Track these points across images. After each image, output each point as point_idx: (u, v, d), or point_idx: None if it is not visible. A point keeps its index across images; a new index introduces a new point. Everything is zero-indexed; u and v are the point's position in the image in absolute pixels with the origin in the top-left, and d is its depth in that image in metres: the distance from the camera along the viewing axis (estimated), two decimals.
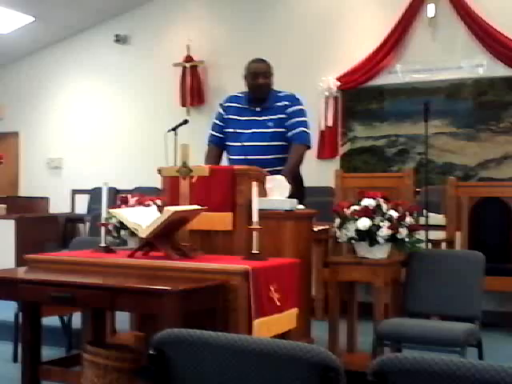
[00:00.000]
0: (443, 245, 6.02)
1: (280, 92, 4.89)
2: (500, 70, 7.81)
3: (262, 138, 4.78)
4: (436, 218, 6.20)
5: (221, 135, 4.97)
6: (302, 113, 4.83)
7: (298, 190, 4.64)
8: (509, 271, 5.68)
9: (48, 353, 4.22)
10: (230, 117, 4.91)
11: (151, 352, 2.00)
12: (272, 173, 4.34)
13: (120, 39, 9.97)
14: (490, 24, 7.75)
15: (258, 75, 4.81)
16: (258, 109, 4.84)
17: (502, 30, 7.70)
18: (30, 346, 3.80)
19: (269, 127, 4.78)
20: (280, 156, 4.77)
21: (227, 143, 4.94)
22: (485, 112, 7.92)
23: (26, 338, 3.82)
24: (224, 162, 5.08)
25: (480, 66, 7.90)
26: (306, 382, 1.76)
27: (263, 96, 4.83)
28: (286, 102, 4.81)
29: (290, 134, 4.77)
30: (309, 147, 4.87)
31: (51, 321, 4.76)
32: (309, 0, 8.85)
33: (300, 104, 4.86)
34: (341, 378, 1.74)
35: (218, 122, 5.00)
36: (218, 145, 5.00)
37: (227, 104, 4.98)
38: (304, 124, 4.81)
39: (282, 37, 8.92)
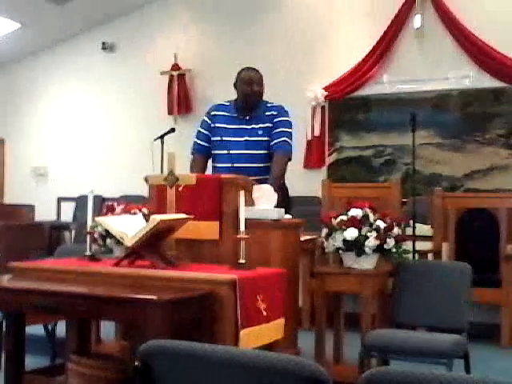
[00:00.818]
0: (430, 255, 6.03)
1: (269, 102, 4.91)
2: (486, 82, 7.84)
3: (252, 146, 4.80)
4: (423, 229, 6.20)
5: (206, 144, 4.95)
6: (287, 124, 4.85)
7: (284, 200, 4.64)
8: (496, 282, 5.69)
9: (32, 361, 4.17)
10: (218, 125, 4.90)
11: (137, 364, 1.97)
12: (259, 181, 4.33)
13: (107, 47, 9.95)
14: (476, 35, 7.77)
15: (253, 83, 4.84)
16: (247, 117, 4.84)
17: (489, 41, 7.73)
18: (13, 354, 3.74)
19: (259, 135, 4.79)
20: (267, 165, 4.77)
21: (213, 152, 4.92)
22: (471, 123, 7.94)
23: (10, 347, 3.76)
24: (208, 171, 5.04)
25: (466, 77, 7.93)
26: None
27: (254, 104, 4.84)
28: (274, 112, 4.83)
29: (272, 142, 4.78)
30: (290, 159, 4.87)
31: (35, 329, 4.71)
32: (297, 10, 8.86)
33: (287, 115, 4.88)
34: None
35: (203, 130, 4.97)
36: (203, 154, 4.97)
37: (214, 112, 4.95)
38: (288, 135, 4.83)
39: (269, 47, 8.92)
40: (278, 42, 8.91)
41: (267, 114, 4.83)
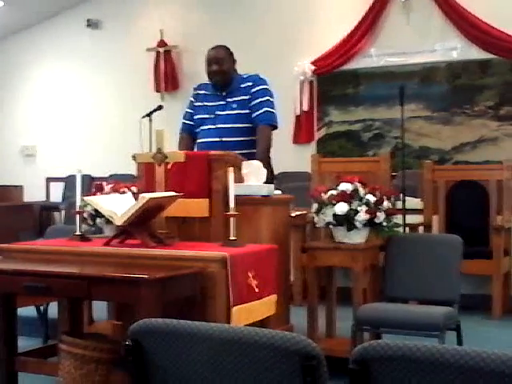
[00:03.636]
0: (420, 229, 6.03)
1: (244, 75, 4.88)
2: (474, 53, 7.81)
3: (226, 120, 4.78)
4: (413, 202, 6.20)
5: (192, 123, 4.97)
6: (265, 92, 4.80)
7: (272, 175, 4.65)
8: (486, 254, 5.71)
9: (24, 343, 4.16)
10: (200, 104, 4.94)
11: (127, 343, 1.96)
12: (243, 155, 4.31)
13: (92, 24, 9.84)
14: (463, 7, 7.73)
15: (212, 62, 4.84)
16: (223, 93, 4.84)
17: (476, 12, 7.69)
18: (5, 336, 3.73)
19: (233, 109, 4.77)
20: (246, 138, 4.75)
21: (197, 129, 4.93)
22: (459, 95, 7.92)
23: (2, 329, 3.75)
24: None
25: (454, 49, 7.90)
26: (287, 370, 1.73)
27: (219, 83, 4.82)
28: (249, 83, 4.80)
29: (254, 114, 4.75)
30: (275, 127, 4.82)
31: (27, 311, 4.70)
32: None
33: (264, 84, 4.83)
34: (322, 366, 1.71)
35: (188, 110, 5.04)
36: (189, 132, 5.00)
37: (197, 92, 5.02)
38: (268, 104, 4.77)
39: (256, 21, 8.85)
40: (265, 16, 8.84)
41: (242, 86, 4.80)
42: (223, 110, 4.79)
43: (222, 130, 4.75)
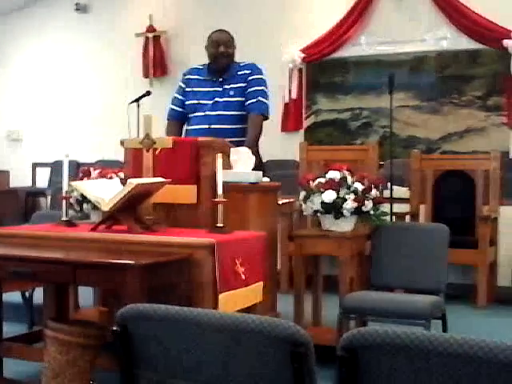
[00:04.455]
0: (407, 218, 6.04)
1: (241, 62, 4.86)
2: (463, 43, 7.83)
3: (224, 107, 4.75)
4: (400, 191, 6.20)
5: (181, 109, 4.92)
6: (261, 82, 4.79)
7: (260, 164, 4.63)
8: (472, 244, 5.72)
9: (10, 329, 4.13)
10: (192, 89, 4.87)
11: (115, 328, 1.95)
12: (234, 143, 4.30)
13: (80, 8, 9.79)
14: None
15: (220, 44, 4.79)
16: (220, 79, 4.80)
17: (466, 2, 7.69)
18: None
19: (230, 96, 4.75)
20: (239, 126, 4.73)
21: (189, 115, 4.89)
22: (448, 85, 7.94)
23: None
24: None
25: (444, 38, 7.91)
26: (275, 357, 1.72)
27: (223, 65, 4.80)
28: (247, 71, 4.78)
29: (247, 102, 4.74)
30: (266, 118, 4.81)
31: (12, 296, 4.67)
32: None
33: (260, 73, 4.82)
34: (310, 353, 1.70)
35: (178, 95, 4.96)
36: (178, 119, 4.95)
37: (188, 76, 4.95)
38: (262, 93, 4.77)
39: (245, 7, 8.82)
40: (254, 2, 8.81)
41: (240, 73, 4.78)
42: (221, 97, 4.76)
43: (217, 117, 4.72)
